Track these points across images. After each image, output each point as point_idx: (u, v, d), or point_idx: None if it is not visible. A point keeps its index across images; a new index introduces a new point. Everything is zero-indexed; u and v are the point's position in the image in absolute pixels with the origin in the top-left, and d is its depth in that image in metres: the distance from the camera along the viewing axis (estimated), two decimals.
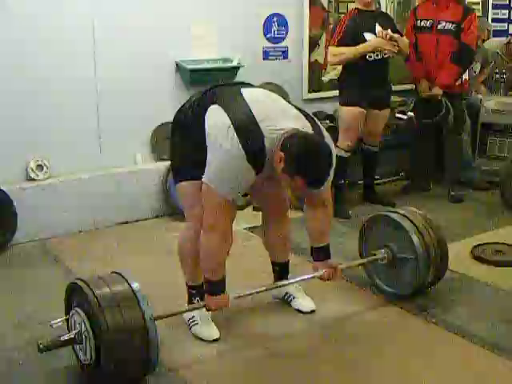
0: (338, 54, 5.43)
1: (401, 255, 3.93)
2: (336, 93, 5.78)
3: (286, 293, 3.94)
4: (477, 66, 6.70)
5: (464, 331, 3.62)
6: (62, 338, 3.04)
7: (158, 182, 5.58)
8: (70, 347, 3.16)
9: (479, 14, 7.56)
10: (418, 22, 5.93)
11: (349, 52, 5.38)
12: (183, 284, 3.71)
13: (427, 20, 5.86)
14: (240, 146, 3.05)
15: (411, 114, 6.45)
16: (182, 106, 3.54)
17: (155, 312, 3.06)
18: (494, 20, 8.19)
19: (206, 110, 3.26)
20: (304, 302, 3.89)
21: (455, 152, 6.21)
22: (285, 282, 3.82)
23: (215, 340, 3.54)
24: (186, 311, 3.54)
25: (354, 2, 6.05)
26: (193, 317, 3.62)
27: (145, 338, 2.94)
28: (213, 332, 3.57)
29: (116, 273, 3.17)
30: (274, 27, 6.05)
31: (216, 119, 3.18)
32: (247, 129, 3.10)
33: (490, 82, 7.04)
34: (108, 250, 4.87)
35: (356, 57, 5.42)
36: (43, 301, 4.01)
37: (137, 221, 5.43)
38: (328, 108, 6.38)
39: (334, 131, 5.72)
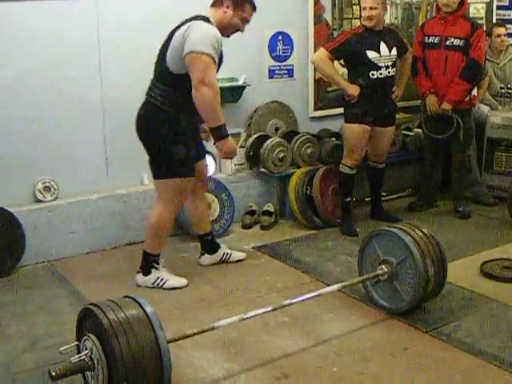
0: (323, 62, 5.44)
1: (400, 270, 3.93)
2: (342, 110, 5.75)
3: (223, 254, 4.87)
4: None
5: (474, 348, 3.60)
6: (74, 364, 2.92)
7: None
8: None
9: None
10: (426, 38, 5.88)
11: (330, 72, 5.50)
12: (190, 302, 3.72)
13: (435, 36, 5.82)
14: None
15: (418, 130, 6.46)
16: None
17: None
18: None
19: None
20: (239, 253, 4.95)
21: (462, 168, 6.18)
22: (289, 301, 3.71)
23: (186, 286, 4.42)
24: (197, 334, 3.36)
25: (358, 19, 6.07)
26: (158, 277, 4.42)
27: (159, 364, 2.87)
28: (182, 280, 4.46)
29: (129, 297, 3.10)
30: (279, 46, 6.04)
31: None
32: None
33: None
34: (116, 271, 4.87)
35: (329, 80, 5.84)
36: (51, 323, 4.01)
37: (143, 241, 5.42)
38: (334, 126, 6.37)
39: (340, 149, 5.75)
